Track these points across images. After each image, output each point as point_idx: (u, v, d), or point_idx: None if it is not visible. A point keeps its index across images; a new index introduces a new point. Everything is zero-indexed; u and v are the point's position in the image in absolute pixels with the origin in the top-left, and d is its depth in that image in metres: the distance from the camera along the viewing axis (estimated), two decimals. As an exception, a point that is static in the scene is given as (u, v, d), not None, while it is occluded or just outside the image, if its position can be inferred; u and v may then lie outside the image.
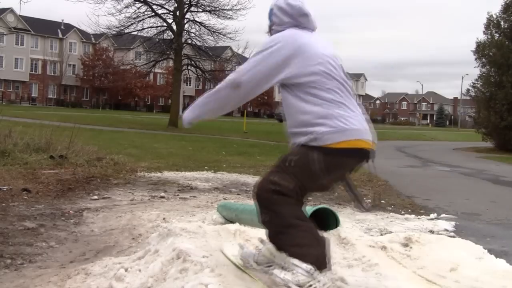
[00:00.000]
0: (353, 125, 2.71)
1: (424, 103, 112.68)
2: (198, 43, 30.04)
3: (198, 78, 34.42)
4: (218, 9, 28.73)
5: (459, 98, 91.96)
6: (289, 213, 2.67)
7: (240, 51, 32.32)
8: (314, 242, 2.68)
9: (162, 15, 29.00)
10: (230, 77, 2.80)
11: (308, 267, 2.60)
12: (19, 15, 58.31)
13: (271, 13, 2.93)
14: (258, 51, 2.77)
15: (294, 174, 2.69)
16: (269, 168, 3.00)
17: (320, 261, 2.65)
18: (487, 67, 26.19)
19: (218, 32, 28.95)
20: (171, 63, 37.25)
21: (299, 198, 2.74)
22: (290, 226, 2.67)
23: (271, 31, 2.92)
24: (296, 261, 2.62)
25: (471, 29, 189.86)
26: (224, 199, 7.04)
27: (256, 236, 3.34)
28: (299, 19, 2.86)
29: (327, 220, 3.79)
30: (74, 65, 67.22)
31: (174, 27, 29.02)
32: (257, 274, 2.83)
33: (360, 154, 2.78)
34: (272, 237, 2.75)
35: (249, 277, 2.81)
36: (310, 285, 2.59)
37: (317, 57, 2.74)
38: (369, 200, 7.67)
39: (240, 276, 2.82)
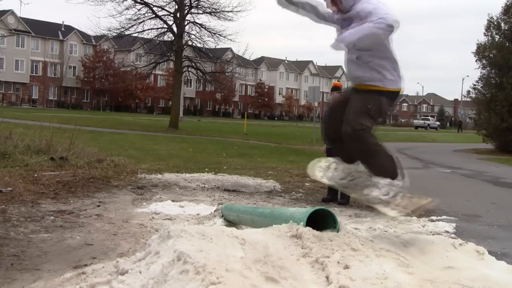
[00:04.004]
0: None
1: (424, 105, 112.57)
2: (198, 45, 30.01)
3: (199, 79, 34.36)
4: (218, 10, 28.74)
5: (459, 99, 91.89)
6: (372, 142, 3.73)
7: (240, 53, 32.41)
8: (388, 161, 3.78)
9: (162, 16, 29.02)
10: None
11: (387, 180, 3.69)
12: (20, 17, 58.25)
13: None
14: None
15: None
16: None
17: (393, 173, 3.74)
18: (488, 68, 26.16)
19: (218, 34, 28.95)
20: (171, 64, 37.22)
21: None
22: (374, 151, 3.74)
23: None
24: (378, 179, 3.72)
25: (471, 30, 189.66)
26: (225, 200, 7.04)
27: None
28: None
29: (325, 221, 3.78)
30: (74, 67, 67.20)
31: (175, 28, 29.02)
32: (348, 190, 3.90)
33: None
34: (363, 160, 3.81)
35: (248, 280, 2.82)
36: (390, 191, 3.66)
37: None
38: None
39: (240, 276, 2.82)
